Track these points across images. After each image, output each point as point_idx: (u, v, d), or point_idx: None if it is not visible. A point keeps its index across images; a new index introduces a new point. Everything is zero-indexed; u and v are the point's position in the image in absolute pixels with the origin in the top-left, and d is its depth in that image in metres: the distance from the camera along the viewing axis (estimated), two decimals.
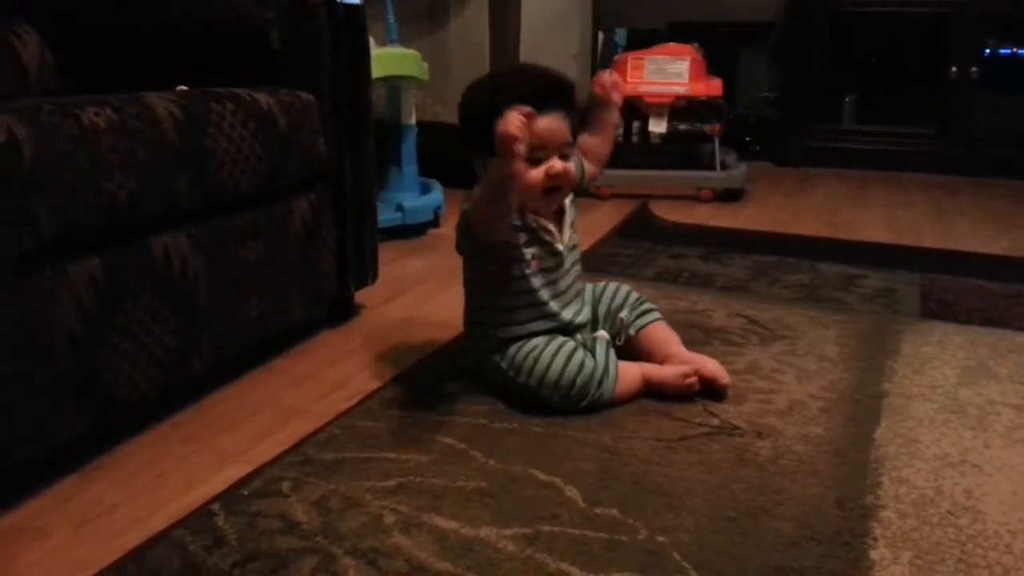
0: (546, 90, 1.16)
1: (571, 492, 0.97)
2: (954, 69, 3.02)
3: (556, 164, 1.16)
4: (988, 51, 3.03)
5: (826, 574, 0.83)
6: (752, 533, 0.89)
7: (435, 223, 2.20)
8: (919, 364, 1.32)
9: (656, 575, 0.83)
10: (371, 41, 1.60)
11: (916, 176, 2.91)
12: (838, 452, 1.05)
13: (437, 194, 2.22)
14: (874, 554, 0.86)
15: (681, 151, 2.80)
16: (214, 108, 1.17)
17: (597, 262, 1.88)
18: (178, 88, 1.25)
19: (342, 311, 1.55)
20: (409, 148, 2.20)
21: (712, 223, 2.28)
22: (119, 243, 1.04)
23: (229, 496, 0.96)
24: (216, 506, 0.94)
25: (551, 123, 1.14)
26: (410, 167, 2.21)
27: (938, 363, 1.33)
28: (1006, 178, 2.81)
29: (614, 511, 0.93)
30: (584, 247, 2.03)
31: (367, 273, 1.54)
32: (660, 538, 0.88)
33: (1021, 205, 2.50)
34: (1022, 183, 2.75)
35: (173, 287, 1.11)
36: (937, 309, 1.57)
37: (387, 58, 2.02)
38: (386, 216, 2.02)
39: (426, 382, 1.27)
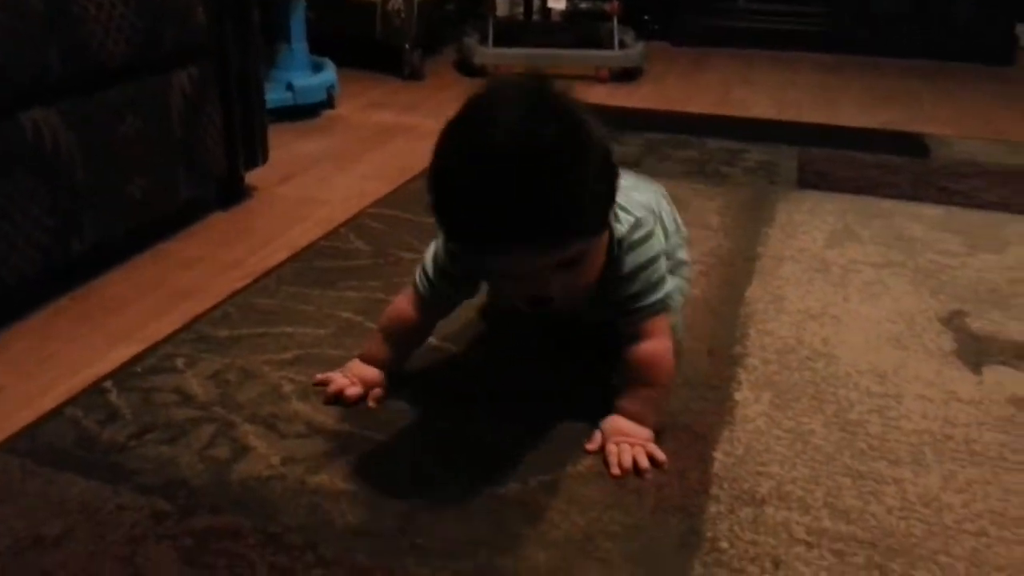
0: (506, 215, 0.70)
1: (465, 358, 1.01)
2: None
3: (538, 294, 0.77)
4: None
5: (696, 413, 0.91)
6: None
7: (329, 104, 2.14)
8: (791, 229, 1.41)
9: (538, 424, 0.89)
10: None
11: (806, 55, 2.98)
12: (712, 310, 1.13)
13: (330, 73, 2.15)
14: (738, 395, 0.94)
15: (580, 30, 2.77)
16: None
17: None
18: None
19: (232, 192, 1.51)
20: (298, 24, 2.10)
21: (609, 102, 2.30)
22: None
23: (121, 374, 0.97)
24: (108, 383, 0.94)
25: (516, 265, 0.75)
26: (300, 44, 2.12)
27: (809, 228, 1.42)
28: (891, 56, 2.92)
29: (509, 376, 0.98)
30: None
31: (257, 153, 1.50)
32: (540, 391, 0.95)
33: (902, 82, 2.61)
34: (906, 62, 2.86)
35: (47, 165, 1.06)
36: (812, 179, 1.66)
37: None
38: (276, 95, 1.94)
39: (323, 261, 1.27)
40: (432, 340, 1.00)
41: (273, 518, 0.75)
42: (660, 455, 0.83)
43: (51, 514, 0.74)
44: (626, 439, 0.84)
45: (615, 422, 0.85)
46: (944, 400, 0.94)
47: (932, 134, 2.00)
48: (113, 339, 1.05)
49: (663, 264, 0.86)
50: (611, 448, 0.83)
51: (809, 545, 0.73)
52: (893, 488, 0.80)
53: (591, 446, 0.85)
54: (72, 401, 0.91)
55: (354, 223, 1.41)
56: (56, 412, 0.89)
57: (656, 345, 0.85)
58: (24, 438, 0.85)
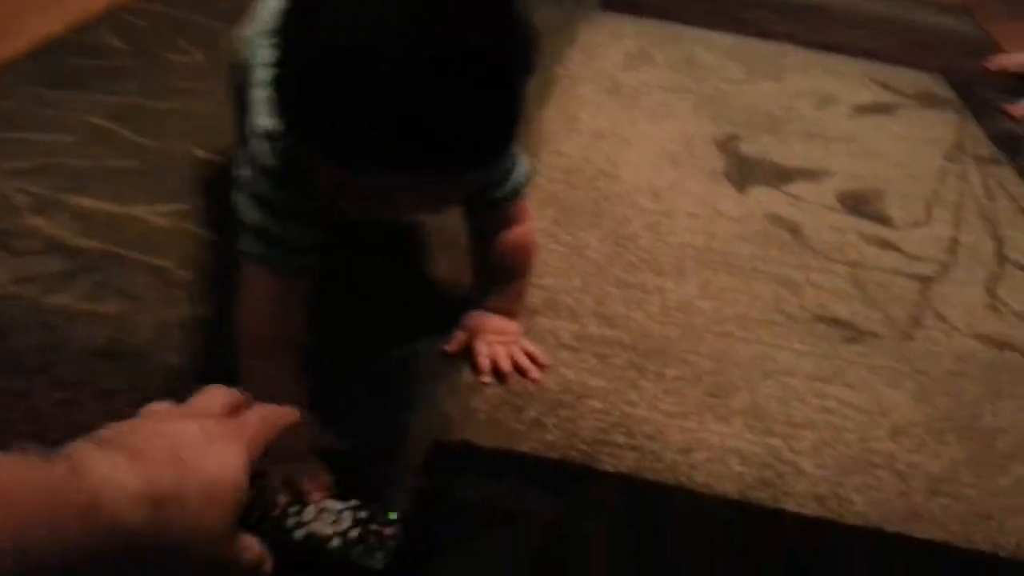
0: (426, 131, 0.47)
1: None
2: None
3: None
4: None
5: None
6: None
7: None
8: (592, 51, 1.40)
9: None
10: None
11: None
12: None
13: None
14: None
15: None
16: None
17: None
18: None
19: None
20: None
21: None
22: None
23: None
24: None
25: (398, 194, 0.53)
26: None
27: (608, 50, 1.41)
28: None
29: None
30: None
31: None
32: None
33: None
34: None
35: None
36: (616, 2, 1.63)
37: None
38: None
39: (71, 58, 1.10)
40: (200, 153, 0.90)
41: (4, 341, 0.67)
42: (539, 354, 0.74)
43: None
44: (498, 337, 0.73)
45: (481, 319, 0.74)
46: (709, 216, 1.00)
47: None
48: None
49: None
50: (482, 348, 0.72)
51: (574, 350, 0.76)
52: (656, 296, 0.85)
53: (451, 347, 0.73)
54: None
55: (109, 16, 1.23)
56: None
57: (522, 230, 0.73)
58: None
